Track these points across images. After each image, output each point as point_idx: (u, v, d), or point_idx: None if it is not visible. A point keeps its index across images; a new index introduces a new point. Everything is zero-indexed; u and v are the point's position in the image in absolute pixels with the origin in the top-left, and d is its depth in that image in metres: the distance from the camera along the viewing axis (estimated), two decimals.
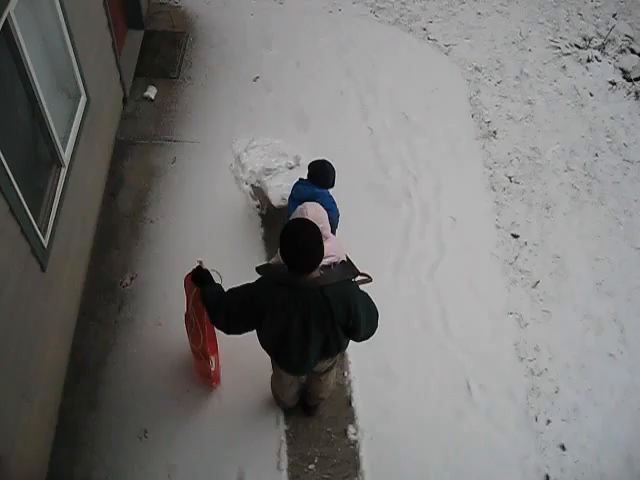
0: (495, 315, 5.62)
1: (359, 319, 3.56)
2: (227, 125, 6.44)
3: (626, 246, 6.24)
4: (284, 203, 5.46)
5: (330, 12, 7.58)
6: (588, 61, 7.73)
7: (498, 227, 6.12)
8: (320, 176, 4.95)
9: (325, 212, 4.15)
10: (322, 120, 6.53)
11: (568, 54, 7.76)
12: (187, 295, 4.18)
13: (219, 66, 6.96)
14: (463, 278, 5.72)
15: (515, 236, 6.09)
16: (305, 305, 3.43)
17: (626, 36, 8.31)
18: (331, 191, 5.01)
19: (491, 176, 6.45)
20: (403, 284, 5.61)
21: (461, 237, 5.96)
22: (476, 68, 7.34)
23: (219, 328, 3.85)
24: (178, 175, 6.09)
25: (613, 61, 7.87)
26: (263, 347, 3.87)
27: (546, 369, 5.42)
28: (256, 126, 6.43)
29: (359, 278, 3.84)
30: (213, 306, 3.79)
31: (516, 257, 5.96)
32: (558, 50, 7.76)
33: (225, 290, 3.76)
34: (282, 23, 7.38)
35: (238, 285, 3.65)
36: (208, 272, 3.96)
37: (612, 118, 7.24)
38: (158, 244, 5.63)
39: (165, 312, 5.16)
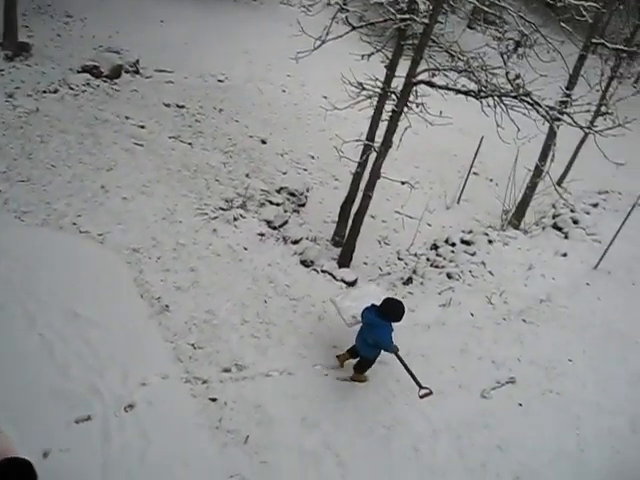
0: None
1: None
2: None
3: (319, 378, 6.70)
4: (354, 320, 6.72)
5: None
6: (235, 220, 8.41)
7: (194, 396, 6.13)
8: (385, 313, 6.28)
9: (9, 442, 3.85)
10: None
11: (216, 217, 8.36)
12: None
13: None
14: (175, 458, 5.57)
15: (213, 400, 6.14)
16: None
17: (262, 190, 9.27)
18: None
19: (174, 348, 6.51)
20: None
21: (160, 419, 5.81)
22: (134, 250, 7.50)
23: None
24: None
25: (257, 215, 8.67)
26: None
27: None
28: None
29: None
30: None
31: (220, 419, 5.99)
32: (206, 216, 8.32)
33: None
34: None
35: None
36: None
37: (269, 265, 7.89)
38: None
39: None
